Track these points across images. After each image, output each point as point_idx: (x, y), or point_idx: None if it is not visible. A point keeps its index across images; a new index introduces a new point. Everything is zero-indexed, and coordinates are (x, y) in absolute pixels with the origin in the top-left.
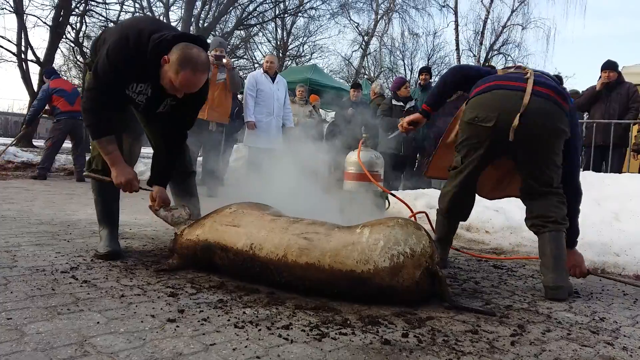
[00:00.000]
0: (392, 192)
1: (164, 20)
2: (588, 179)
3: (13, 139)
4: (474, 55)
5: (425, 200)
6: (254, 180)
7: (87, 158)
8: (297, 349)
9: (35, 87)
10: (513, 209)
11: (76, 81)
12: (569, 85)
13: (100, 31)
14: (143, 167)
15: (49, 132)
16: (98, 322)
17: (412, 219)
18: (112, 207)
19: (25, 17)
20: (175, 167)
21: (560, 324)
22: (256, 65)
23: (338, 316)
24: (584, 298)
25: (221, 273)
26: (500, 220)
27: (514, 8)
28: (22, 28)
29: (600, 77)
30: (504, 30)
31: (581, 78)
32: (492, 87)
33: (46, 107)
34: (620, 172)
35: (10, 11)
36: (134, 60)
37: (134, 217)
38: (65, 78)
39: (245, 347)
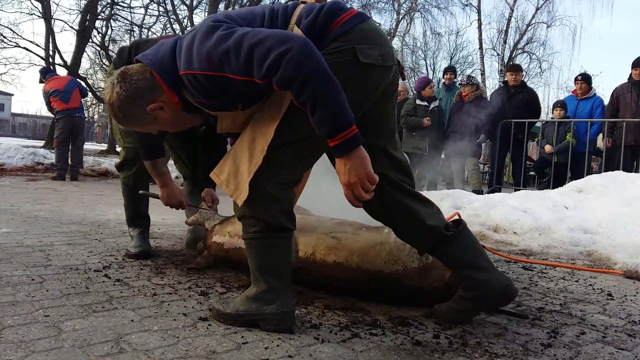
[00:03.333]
0: (419, 192)
1: (187, 23)
2: (619, 179)
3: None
4: (498, 54)
5: (450, 201)
6: None
7: (117, 161)
8: (328, 348)
9: None
10: (541, 209)
11: (102, 84)
12: (596, 83)
13: (133, 41)
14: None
15: (55, 132)
16: (132, 320)
17: None
18: (143, 211)
19: (53, 22)
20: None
21: (594, 326)
22: None
23: (368, 317)
24: (617, 300)
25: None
26: (528, 221)
27: (539, 6)
28: (49, 33)
29: (630, 74)
30: (529, 28)
31: (608, 76)
32: None
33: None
34: None
35: (39, 16)
36: None
37: (161, 218)
38: (91, 78)
39: (277, 346)
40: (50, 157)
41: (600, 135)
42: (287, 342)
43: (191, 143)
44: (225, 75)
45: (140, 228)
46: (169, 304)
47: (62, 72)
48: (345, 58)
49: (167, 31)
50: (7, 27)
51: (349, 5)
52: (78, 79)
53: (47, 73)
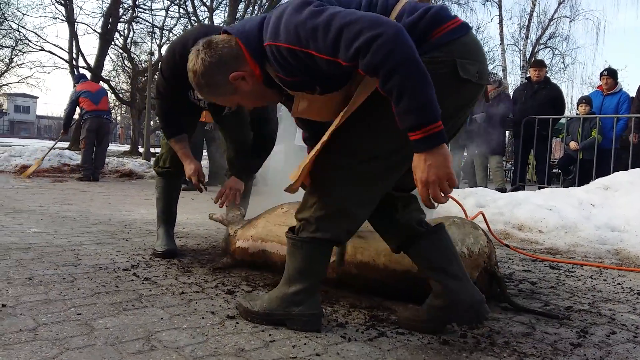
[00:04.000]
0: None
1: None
2: (638, 180)
3: (55, 142)
4: (520, 50)
5: (474, 199)
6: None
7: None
8: (355, 347)
9: None
10: (567, 207)
11: (124, 86)
12: (621, 78)
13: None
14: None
15: (81, 133)
16: (162, 318)
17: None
18: (172, 208)
19: (76, 26)
20: (250, 165)
21: (624, 326)
22: None
23: (394, 316)
24: None
25: (274, 272)
26: (554, 219)
27: (561, 0)
28: (73, 36)
29: None
30: (551, 23)
31: (634, 70)
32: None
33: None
34: None
35: (62, 20)
36: (183, 71)
37: (186, 217)
38: (111, 84)
39: (305, 344)
40: (76, 158)
41: None
42: (314, 341)
43: (245, 135)
44: (309, 52)
45: (166, 226)
46: (196, 302)
47: (86, 74)
48: (444, 70)
49: None
50: (32, 31)
51: (453, 14)
52: (102, 83)
53: (80, 78)
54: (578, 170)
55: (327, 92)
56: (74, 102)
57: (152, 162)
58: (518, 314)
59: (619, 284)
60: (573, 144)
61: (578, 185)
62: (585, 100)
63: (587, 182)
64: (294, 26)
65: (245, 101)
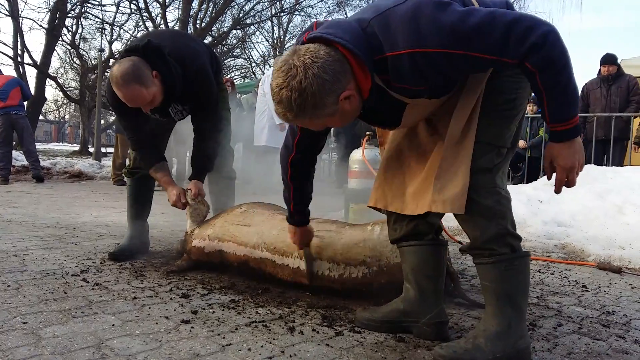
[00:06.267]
0: None
1: (161, 21)
2: (591, 173)
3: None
4: None
5: None
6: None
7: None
8: (312, 347)
9: (32, 91)
10: (516, 204)
11: (73, 84)
12: None
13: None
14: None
15: None
16: (113, 325)
17: None
18: (136, 208)
19: (21, 21)
20: (205, 164)
21: (570, 318)
22: (253, 64)
23: (351, 314)
24: (592, 292)
25: (231, 273)
26: None
27: (510, 1)
28: (18, 31)
29: (599, 70)
30: None
31: (579, 71)
32: None
33: None
34: (622, 165)
35: (5, 14)
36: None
37: None
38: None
39: (261, 346)
40: (20, 158)
41: None
42: (271, 343)
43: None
44: (470, 54)
45: (132, 226)
46: (150, 307)
47: (31, 71)
48: None
49: (139, 29)
50: None
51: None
52: (44, 79)
53: None
54: (526, 168)
55: (435, 97)
56: None
57: (103, 163)
58: (471, 309)
59: (565, 277)
60: (521, 143)
61: (526, 182)
62: (533, 100)
63: (535, 179)
64: (450, 27)
65: (337, 123)
